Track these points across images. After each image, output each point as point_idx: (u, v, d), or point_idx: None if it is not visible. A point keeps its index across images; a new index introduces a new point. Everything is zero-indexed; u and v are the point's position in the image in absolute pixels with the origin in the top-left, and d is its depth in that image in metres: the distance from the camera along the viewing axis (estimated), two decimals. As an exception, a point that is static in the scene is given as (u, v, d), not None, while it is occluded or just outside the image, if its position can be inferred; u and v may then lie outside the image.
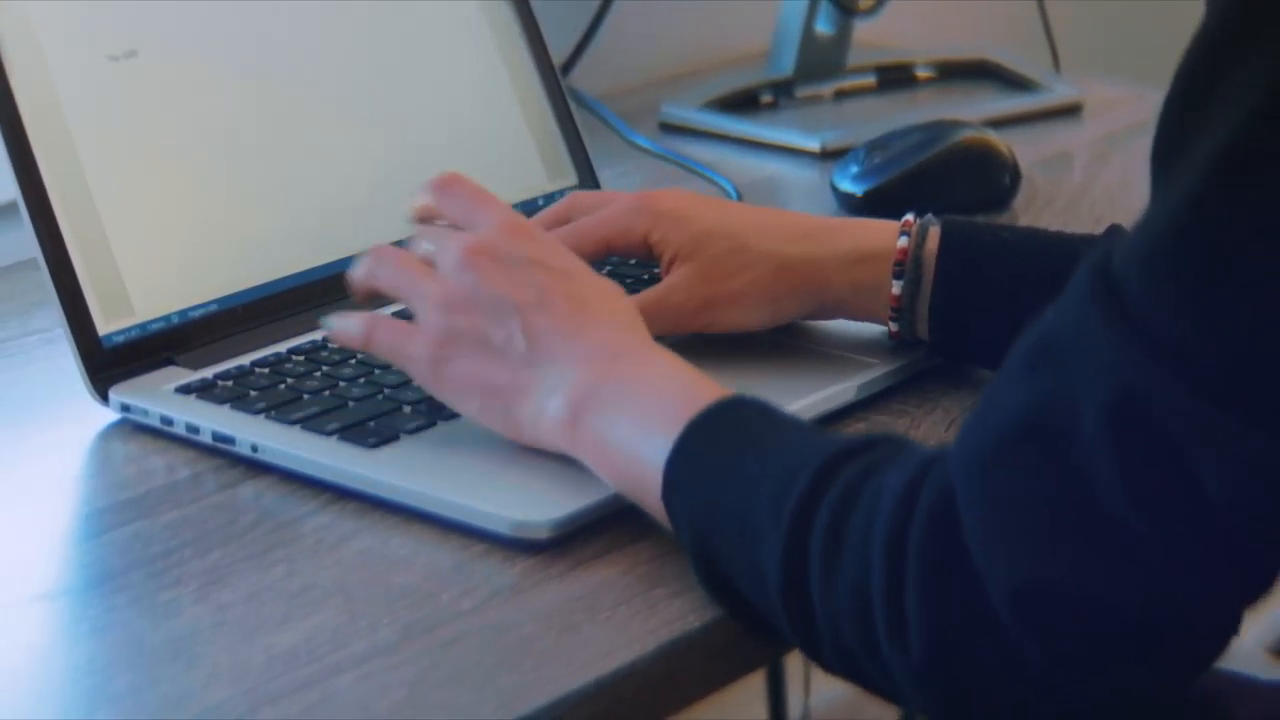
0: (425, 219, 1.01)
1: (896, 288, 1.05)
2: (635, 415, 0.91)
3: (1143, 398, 0.73)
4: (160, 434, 1.03)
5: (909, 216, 1.06)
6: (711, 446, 0.88)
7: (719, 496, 0.86)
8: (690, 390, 0.91)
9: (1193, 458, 0.73)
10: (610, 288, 0.97)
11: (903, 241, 1.05)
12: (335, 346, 1.07)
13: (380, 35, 1.19)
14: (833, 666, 0.83)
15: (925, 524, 0.78)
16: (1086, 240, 1.05)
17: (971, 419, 0.79)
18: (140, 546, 0.93)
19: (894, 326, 1.06)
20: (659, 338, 0.96)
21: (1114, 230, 1.05)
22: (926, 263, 1.04)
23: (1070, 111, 1.54)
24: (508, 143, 1.23)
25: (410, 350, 0.96)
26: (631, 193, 1.09)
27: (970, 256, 1.04)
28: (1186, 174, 0.74)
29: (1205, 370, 0.73)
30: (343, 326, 0.99)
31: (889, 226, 1.06)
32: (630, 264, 1.15)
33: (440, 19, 1.21)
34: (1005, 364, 0.79)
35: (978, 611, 0.76)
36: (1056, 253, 1.05)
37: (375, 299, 1.00)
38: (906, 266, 1.04)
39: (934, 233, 1.05)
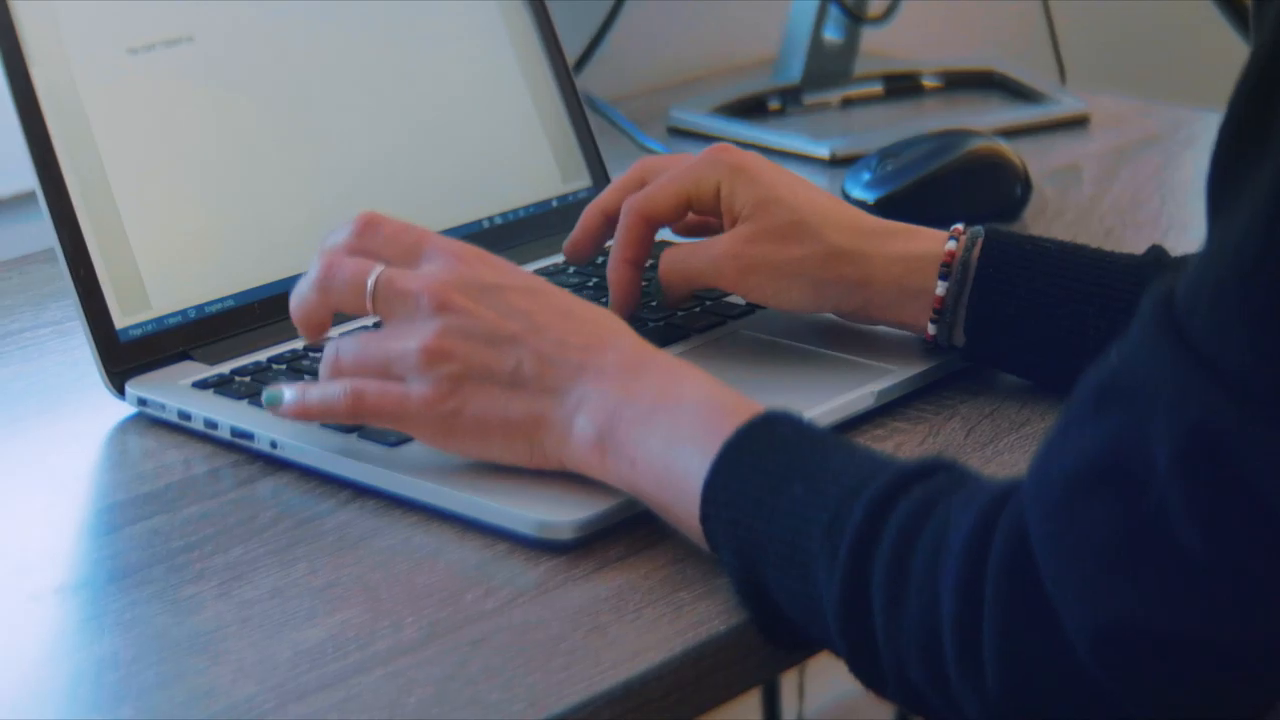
0: (337, 259, 0.95)
1: (941, 288, 1.04)
2: (666, 432, 0.89)
3: (1214, 433, 0.72)
4: (177, 429, 1.02)
5: (959, 225, 1.06)
6: (752, 467, 0.86)
7: (764, 521, 0.85)
8: (721, 405, 0.89)
9: (1266, 490, 0.72)
10: (582, 299, 0.95)
11: (951, 245, 1.05)
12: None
13: (398, 34, 1.18)
14: (896, 699, 0.83)
15: (1000, 564, 0.77)
16: (1127, 258, 1.05)
17: (1041, 459, 0.78)
18: (160, 541, 0.92)
19: (932, 329, 1.05)
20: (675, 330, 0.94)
21: (1156, 251, 1.05)
22: (972, 267, 1.04)
23: (1077, 124, 1.54)
24: (523, 144, 1.22)
25: (410, 412, 0.92)
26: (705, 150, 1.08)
27: (1009, 263, 1.04)
28: (1249, 204, 0.72)
29: (1277, 403, 0.72)
30: (316, 399, 0.94)
31: (940, 234, 1.06)
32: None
33: (458, 19, 1.21)
34: (1070, 402, 0.78)
35: (1055, 651, 0.76)
36: (1096, 267, 1.04)
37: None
38: (953, 269, 1.04)
39: (981, 240, 1.05)
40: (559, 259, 1.17)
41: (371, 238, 0.95)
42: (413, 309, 0.92)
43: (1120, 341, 0.78)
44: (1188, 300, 0.75)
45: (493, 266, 0.95)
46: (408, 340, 0.92)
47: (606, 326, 0.94)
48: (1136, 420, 0.75)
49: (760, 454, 0.87)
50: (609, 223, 1.08)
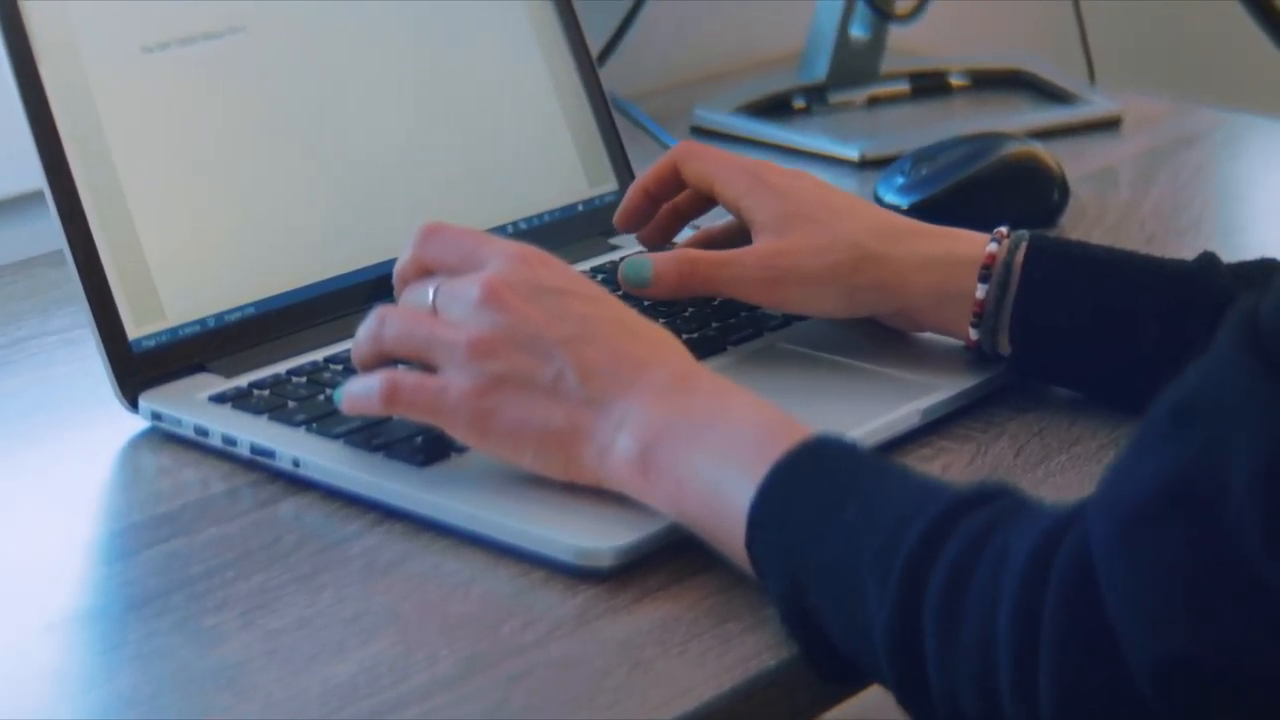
0: (412, 278, 0.94)
1: (981, 291, 1.00)
2: (714, 453, 0.85)
3: None
4: (193, 445, 0.98)
5: (1002, 228, 1.02)
6: (802, 490, 0.83)
7: (813, 546, 0.81)
8: (770, 427, 0.86)
9: None
10: (640, 314, 0.92)
11: (992, 247, 1.01)
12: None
13: (423, 37, 1.14)
14: None
15: (1061, 591, 0.73)
16: (1177, 264, 1.01)
17: (1110, 481, 0.74)
18: (179, 567, 0.88)
19: (974, 335, 1.01)
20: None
21: (1208, 257, 1.01)
22: (1015, 271, 1.00)
23: (1109, 125, 1.50)
24: (550, 146, 1.18)
25: (446, 405, 0.89)
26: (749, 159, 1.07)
27: (1056, 267, 1.00)
28: None
29: None
30: (358, 391, 0.91)
31: (980, 236, 1.02)
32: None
33: (484, 20, 1.17)
34: (1145, 423, 0.74)
35: (1116, 683, 0.72)
36: (1145, 272, 1.01)
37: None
38: (995, 271, 1.00)
39: (1025, 244, 1.01)
40: (586, 264, 1.13)
41: (432, 245, 0.93)
42: (465, 303, 0.90)
43: (1199, 361, 0.74)
44: (1272, 319, 0.71)
45: (552, 270, 0.92)
46: (455, 331, 0.89)
47: (660, 343, 0.91)
48: (1215, 442, 0.71)
49: (810, 478, 0.84)
50: (650, 199, 1.09)
